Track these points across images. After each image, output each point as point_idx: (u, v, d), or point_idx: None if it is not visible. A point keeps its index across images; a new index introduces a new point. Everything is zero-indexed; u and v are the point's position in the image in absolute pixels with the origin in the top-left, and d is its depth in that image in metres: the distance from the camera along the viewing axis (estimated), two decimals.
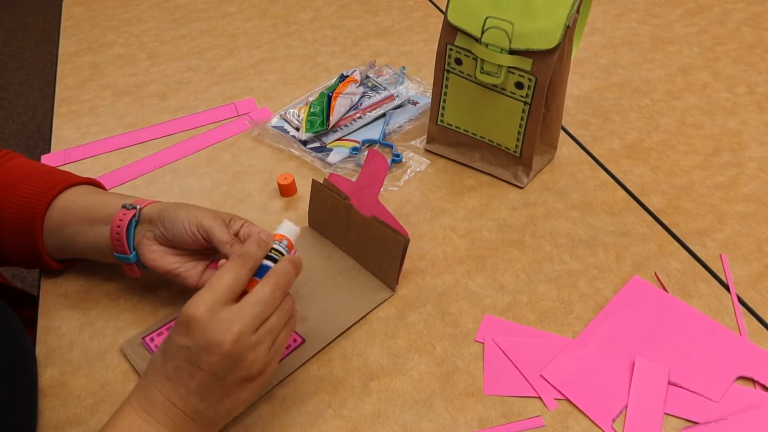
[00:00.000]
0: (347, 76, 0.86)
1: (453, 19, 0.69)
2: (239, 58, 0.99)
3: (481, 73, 0.69)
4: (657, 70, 0.92)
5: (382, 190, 0.74)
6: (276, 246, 0.52)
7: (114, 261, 0.60)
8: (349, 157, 0.78)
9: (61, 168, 0.80)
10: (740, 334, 0.58)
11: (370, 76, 0.90)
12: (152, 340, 0.59)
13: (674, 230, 0.68)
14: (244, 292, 0.48)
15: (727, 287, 0.62)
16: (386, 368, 0.57)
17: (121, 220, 0.58)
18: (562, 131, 0.81)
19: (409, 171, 0.77)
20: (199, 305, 0.45)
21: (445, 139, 0.78)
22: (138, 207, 0.59)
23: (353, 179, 0.76)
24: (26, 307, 0.72)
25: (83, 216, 0.61)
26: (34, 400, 0.55)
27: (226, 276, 0.46)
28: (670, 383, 0.55)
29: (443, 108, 0.76)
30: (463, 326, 0.60)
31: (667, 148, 0.79)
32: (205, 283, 0.47)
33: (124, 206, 0.59)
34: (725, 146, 0.79)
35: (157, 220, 0.57)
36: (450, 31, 0.70)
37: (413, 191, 0.74)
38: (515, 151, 0.73)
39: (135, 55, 1.02)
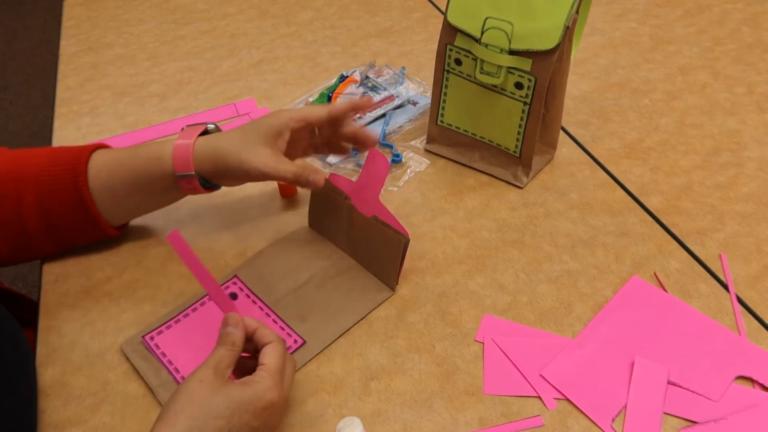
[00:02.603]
0: (347, 77, 0.86)
1: (453, 19, 0.69)
2: (239, 58, 1.00)
3: (481, 73, 0.69)
4: (657, 70, 0.92)
5: (381, 190, 0.74)
6: None
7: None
8: (349, 157, 0.79)
9: None
10: (739, 333, 0.58)
11: (370, 76, 0.90)
12: (152, 338, 0.59)
13: (674, 230, 0.69)
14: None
15: (726, 287, 0.63)
16: (386, 368, 0.57)
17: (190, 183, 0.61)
18: (561, 131, 0.81)
19: (409, 171, 0.77)
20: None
21: (445, 139, 0.78)
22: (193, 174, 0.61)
23: (353, 179, 0.76)
24: (23, 308, 0.72)
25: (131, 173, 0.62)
26: (34, 400, 0.55)
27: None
28: (669, 383, 0.55)
29: (443, 108, 0.76)
30: (463, 326, 0.60)
31: (666, 148, 0.79)
32: None
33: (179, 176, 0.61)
34: (725, 146, 0.79)
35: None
36: (450, 31, 0.70)
37: (413, 191, 0.75)
38: (515, 151, 0.73)
39: (135, 55, 1.02)
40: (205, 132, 0.63)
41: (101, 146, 0.65)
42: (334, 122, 0.65)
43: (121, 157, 0.62)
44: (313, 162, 0.78)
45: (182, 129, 0.63)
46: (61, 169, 0.61)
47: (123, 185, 0.62)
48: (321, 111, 0.63)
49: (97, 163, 0.62)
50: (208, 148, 0.60)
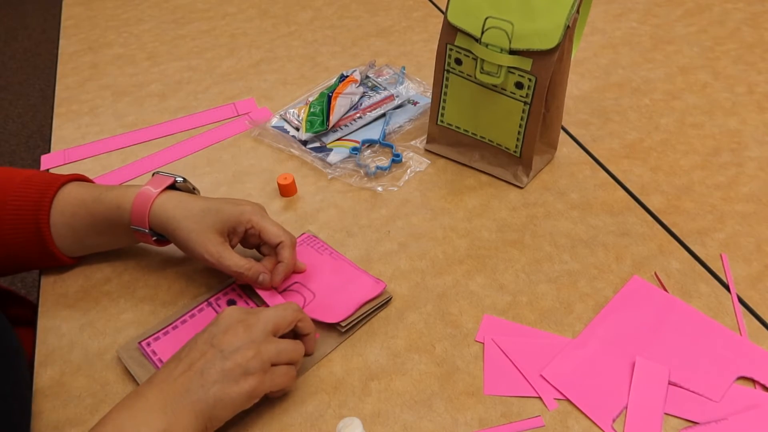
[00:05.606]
0: (347, 76, 0.86)
1: (453, 19, 0.69)
2: (239, 58, 0.99)
3: (481, 73, 0.69)
4: (657, 70, 0.92)
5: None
6: None
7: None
8: (349, 157, 0.78)
9: (61, 168, 0.81)
10: (740, 334, 0.58)
11: (370, 76, 0.90)
12: (148, 344, 0.58)
13: (674, 230, 0.68)
14: None
15: (727, 287, 0.62)
16: (386, 368, 0.57)
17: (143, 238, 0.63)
18: (562, 131, 0.81)
19: (409, 171, 0.77)
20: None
21: (445, 139, 0.78)
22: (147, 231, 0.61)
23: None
24: (17, 306, 0.72)
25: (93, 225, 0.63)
26: (25, 396, 0.54)
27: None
28: (670, 383, 0.55)
29: (443, 108, 0.76)
30: (463, 326, 0.60)
31: (667, 148, 0.79)
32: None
33: (135, 229, 0.61)
34: (725, 146, 0.79)
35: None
36: (450, 31, 0.70)
37: (413, 191, 0.74)
38: (515, 151, 0.73)
39: (135, 55, 1.02)
40: (174, 184, 0.63)
41: (76, 178, 0.66)
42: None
43: (86, 199, 0.63)
44: (313, 161, 0.78)
45: (153, 174, 0.64)
46: (27, 201, 0.62)
47: (83, 226, 0.63)
48: (275, 239, 0.60)
49: (63, 199, 0.63)
50: (164, 216, 0.60)
